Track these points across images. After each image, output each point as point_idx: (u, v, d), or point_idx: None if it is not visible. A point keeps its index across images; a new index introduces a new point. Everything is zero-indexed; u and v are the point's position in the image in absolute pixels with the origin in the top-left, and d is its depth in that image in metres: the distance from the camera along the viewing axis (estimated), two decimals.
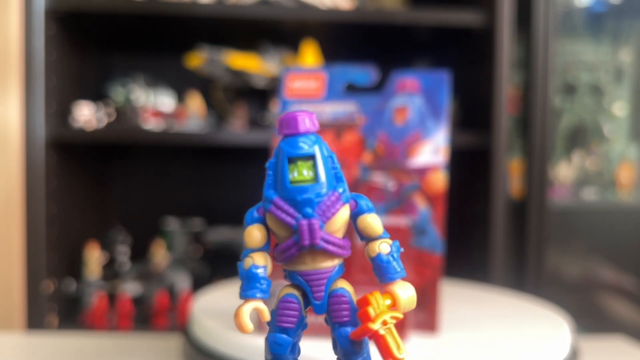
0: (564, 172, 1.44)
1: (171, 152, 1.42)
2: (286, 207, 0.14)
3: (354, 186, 0.39)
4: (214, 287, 0.50)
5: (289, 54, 1.18)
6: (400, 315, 0.15)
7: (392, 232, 0.38)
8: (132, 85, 1.23)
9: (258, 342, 0.34)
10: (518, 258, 1.18)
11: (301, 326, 0.16)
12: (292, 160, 0.14)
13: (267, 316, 0.15)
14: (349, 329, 0.15)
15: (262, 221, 0.15)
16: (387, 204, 0.39)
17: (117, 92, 1.12)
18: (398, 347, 0.15)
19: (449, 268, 0.67)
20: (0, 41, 0.94)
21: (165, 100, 1.11)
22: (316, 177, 0.14)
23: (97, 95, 1.27)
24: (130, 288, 1.13)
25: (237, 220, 1.35)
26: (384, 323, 0.14)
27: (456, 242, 1.20)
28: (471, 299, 0.48)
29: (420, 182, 0.39)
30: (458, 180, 1.20)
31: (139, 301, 1.14)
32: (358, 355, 0.15)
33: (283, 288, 0.18)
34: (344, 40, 1.25)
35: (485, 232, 1.08)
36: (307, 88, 0.42)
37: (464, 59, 1.21)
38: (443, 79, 0.41)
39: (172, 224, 1.31)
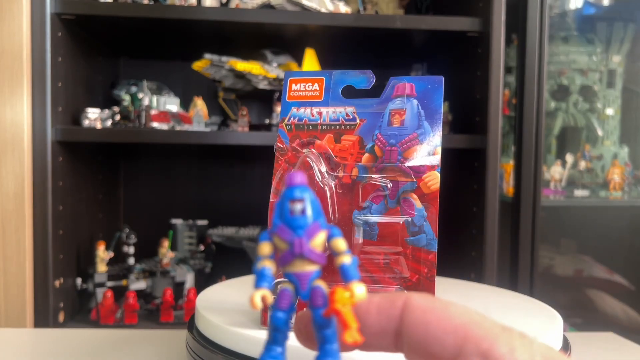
0: (557, 172, 1.45)
1: (177, 153, 1.44)
2: (287, 230, 0.23)
3: (353, 186, 0.41)
4: (218, 283, 0.52)
5: (290, 63, 1.20)
6: (354, 302, 0.23)
7: (389, 230, 0.39)
8: (139, 88, 1.24)
9: (256, 337, 0.36)
10: (511, 256, 1.19)
11: (293, 310, 0.24)
12: (291, 201, 0.23)
13: (270, 300, 0.23)
14: (322, 310, 0.23)
15: (270, 239, 0.24)
16: (385, 204, 0.41)
17: (124, 95, 1.14)
18: (353, 322, 0.21)
19: (443, 266, 0.68)
20: (10, 44, 0.95)
21: (170, 105, 1.12)
22: (304, 213, 0.23)
23: (105, 98, 1.29)
24: (137, 285, 1.14)
25: (241, 219, 1.37)
26: (343, 304, 0.22)
27: (450, 241, 1.21)
28: (464, 296, 0.49)
29: (417, 182, 0.40)
30: (451, 181, 1.22)
31: (145, 297, 1.16)
32: (328, 327, 0.23)
33: (281, 284, 0.26)
34: (343, 48, 1.27)
35: (479, 231, 1.09)
36: (308, 91, 0.44)
37: (458, 64, 1.22)
38: (439, 83, 0.43)
39: (178, 222, 1.33)
